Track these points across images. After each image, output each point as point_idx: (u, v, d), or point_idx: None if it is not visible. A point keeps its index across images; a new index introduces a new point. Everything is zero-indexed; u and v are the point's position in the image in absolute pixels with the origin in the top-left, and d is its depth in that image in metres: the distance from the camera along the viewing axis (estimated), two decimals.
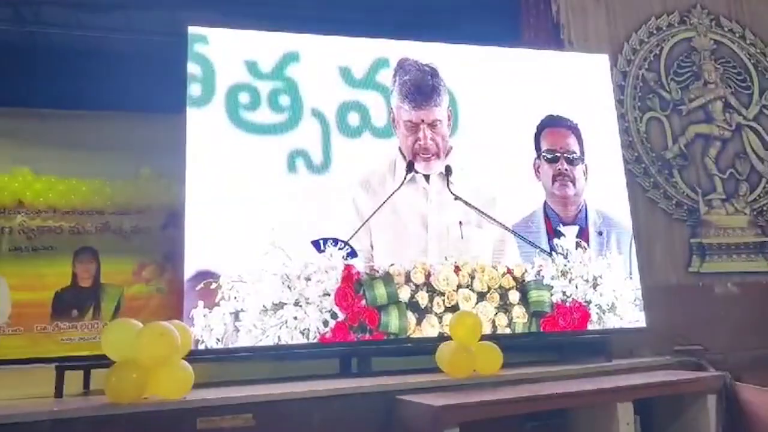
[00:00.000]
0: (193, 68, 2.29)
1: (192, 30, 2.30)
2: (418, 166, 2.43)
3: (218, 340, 2.09)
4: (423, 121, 2.44)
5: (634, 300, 2.54)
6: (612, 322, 2.47)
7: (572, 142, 2.64)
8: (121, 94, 2.58)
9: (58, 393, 1.97)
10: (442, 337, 2.20)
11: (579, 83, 2.75)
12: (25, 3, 2.84)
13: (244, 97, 2.32)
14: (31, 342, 2.27)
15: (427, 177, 2.44)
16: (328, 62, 2.44)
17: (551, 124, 2.63)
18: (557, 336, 2.41)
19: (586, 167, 2.64)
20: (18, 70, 2.85)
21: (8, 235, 2.38)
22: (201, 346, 2.07)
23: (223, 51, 2.33)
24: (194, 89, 2.27)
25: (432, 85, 2.49)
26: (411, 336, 2.24)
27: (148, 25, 2.90)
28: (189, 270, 2.11)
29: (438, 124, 2.47)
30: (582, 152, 2.65)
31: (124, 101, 2.59)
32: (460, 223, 2.41)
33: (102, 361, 1.78)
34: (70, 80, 2.76)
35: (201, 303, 2.10)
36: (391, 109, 2.48)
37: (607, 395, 1.91)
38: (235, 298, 2.13)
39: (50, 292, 2.35)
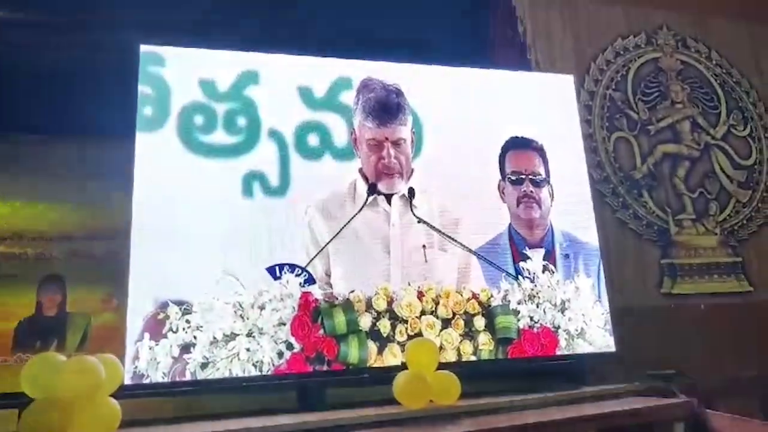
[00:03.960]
0: (146, 89, 2.21)
1: (145, 49, 2.23)
2: (381, 185, 2.36)
3: (164, 374, 1.98)
4: (387, 138, 2.39)
5: (604, 324, 2.48)
6: (581, 347, 2.41)
7: (537, 164, 2.60)
8: (92, 118, 2.50)
9: None
10: (403, 367, 2.11)
11: (544, 104, 2.72)
12: None
13: (198, 119, 2.25)
14: None
15: (389, 199, 2.37)
16: (287, 82, 2.38)
17: (516, 146, 2.59)
18: (520, 363, 2.32)
19: (551, 189, 2.60)
20: None
21: None
22: (146, 381, 1.96)
23: (178, 71, 2.27)
24: (146, 111, 2.20)
25: (397, 103, 2.45)
26: (372, 366, 2.15)
27: (118, 45, 2.84)
28: (134, 300, 2.01)
29: (402, 143, 2.41)
30: (547, 174, 2.61)
31: (96, 125, 2.51)
32: (424, 246, 2.35)
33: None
34: (37, 104, 2.68)
35: (147, 335, 1.99)
36: (353, 129, 2.42)
37: (568, 426, 1.84)
38: (184, 329, 2.03)
39: (13, 322, 2.25)
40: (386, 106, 2.41)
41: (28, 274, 2.33)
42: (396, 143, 2.40)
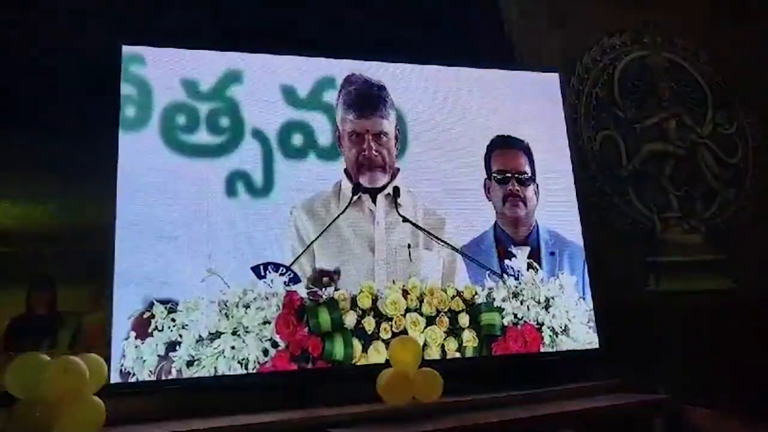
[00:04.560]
0: (128, 89, 2.22)
1: (127, 50, 2.24)
2: (363, 179, 2.37)
3: (151, 372, 2.00)
4: (368, 131, 2.39)
5: (588, 321, 2.51)
6: (565, 344, 2.43)
7: (523, 162, 2.62)
8: (79, 117, 2.51)
9: None
10: (388, 364, 2.13)
11: (530, 102, 2.73)
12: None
13: (181, 119, 2.25)
14: None
15: (374, 198, 2.39)
16: (270, 81, 2.39)
17: (502, 145, 2.61)
18: (502, 359, 2.34)
19: (537, 187, 2.62)
20: None
21: None
22: (132, 380, 1.98)
23: (161, 71, 2.27)
24: (129, 111, 2.20)
25: (379, 96, 2.45)
26: (357, 364, 2.17)
27: (100, 45, 2.83)
28: (119, 299, 2.03)
29: (383, 137, 2.42)
30: (533, 172, 2.63)
31: (82, 124, 2.51)
32: (409, 245, 2.37)
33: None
34: (23, 103, 2.67)
35: (133, 334, 2.01)
36: (337, 126, 2.43)
37: (548, 421, 1.87)
38: (169, 328, 2.05)
39: (4, 321, 2.24)
40: (366, 98, 2.42)
41: (18, 273, 2.33)
42: (377, 136, 2.40)
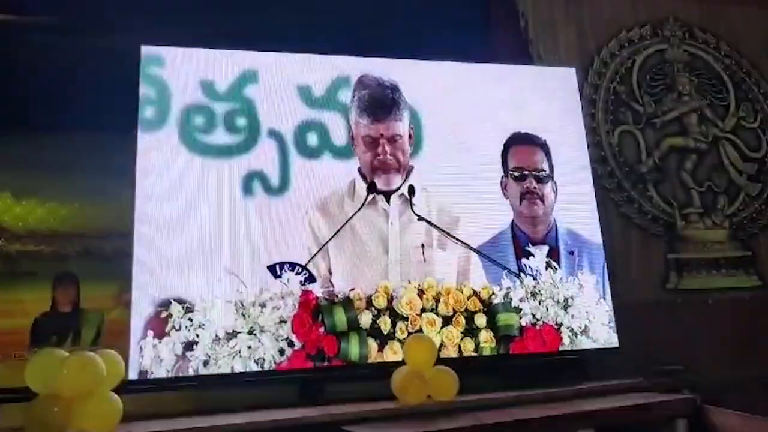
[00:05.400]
0: (147, 90, 2.24)
1: (146, 50, 2.26)
2: (378, 181, 2.35)
3: (168, 371, 2.02)
4: (382, 135, 2.37)
5: (609, 321, 2.45)
6: (585, 345, 2.38)
7: (540, 160, 2.58)
8: (103, 117, 2.54)
9: None
10: (403, 364, 2.11)
11: (547, 98, 2.68)
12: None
13: (198, 119, 2.26)
14: (8, 370, 2.19)
15: (387, 198, 2.37)
16: (286, 81, 2.39)
17: (519, 142, 2.57)
18: (520, 359, 2.31)
19: (555, 185, 2.58)
20: None
21: None
22: (150, 377, 1.99)
23: (178, 71, 2.29)
24: (148, 111, 2.22)
25: (392, 99, 2.43)
26: (371, 363, 2.16)
27: (121, 47, 2.87)
28: (137, 298, 2.05)
29: (398, 139, 2.39)
30: (551, 169, 2.58)
31: (105, 124, 2.55)
32: (422, 245, 2.34)
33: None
34: (48, 105, 2.72)
35: (150, 333, 2.03)
36: (350, 126, 2.42)
37: (566, 421, 1.84)
38: (186, 327, 2.06)
39: (29, 318, 2.30)
40: (380, 102, 2.40)
41: (44, 271, 2.38)
42: (392, 139, 2.38)
